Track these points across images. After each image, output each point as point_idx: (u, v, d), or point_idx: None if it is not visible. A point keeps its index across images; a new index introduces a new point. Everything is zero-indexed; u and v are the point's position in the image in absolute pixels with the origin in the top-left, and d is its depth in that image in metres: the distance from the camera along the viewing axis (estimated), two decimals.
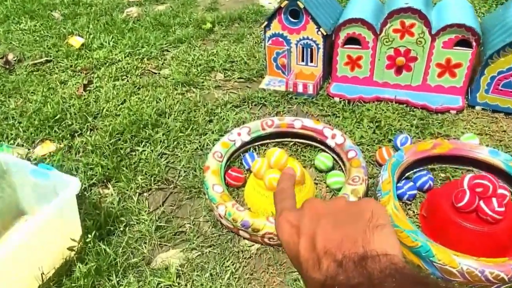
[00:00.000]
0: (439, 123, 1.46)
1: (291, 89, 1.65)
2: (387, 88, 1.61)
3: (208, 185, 1.17)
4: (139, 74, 1.86)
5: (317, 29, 1.57)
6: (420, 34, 1.46)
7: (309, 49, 1.64)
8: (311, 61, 1.67)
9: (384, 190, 1.12)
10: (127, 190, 1.26)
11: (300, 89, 1.63)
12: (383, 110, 1.54)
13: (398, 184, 1.18)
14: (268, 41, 1.68)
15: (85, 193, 1.25)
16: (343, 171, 1.27)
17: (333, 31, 1.57)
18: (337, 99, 1.61)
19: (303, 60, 1.68)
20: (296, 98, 1.64)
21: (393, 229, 0.30)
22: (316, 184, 1.26)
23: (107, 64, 1.94)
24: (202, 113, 1.58)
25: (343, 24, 1.52)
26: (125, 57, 1.98)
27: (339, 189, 1.22)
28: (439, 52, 1.48)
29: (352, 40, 1.55)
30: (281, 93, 1.66)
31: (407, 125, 1.46)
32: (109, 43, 2.10)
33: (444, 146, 1.25)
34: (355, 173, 1.18)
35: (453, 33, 1.43)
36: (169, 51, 2.06)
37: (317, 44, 1.61)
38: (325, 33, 1.56)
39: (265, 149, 1.39)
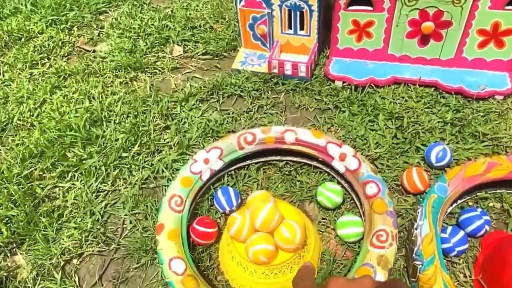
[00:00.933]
0: (482, 116, 1.06)
1: (275, 71, 1.20)
2: (406, 63, 1.18)
3: (164, 260, 0.77)
4: (65, 54, 1.36)
5: None
6: None
7: (298, 13, 1.17)
8: (302, 29, 1.20)
9: (426, 255, 0.75)
10: (47, 260, 0.86)
11: (288, 70, 1.19)
12: (403, 98, 1.13)
13: (442, 234, 0.81)
14: (240, 1, 1.19)
15: None
16: (359, 212, 0.88)
17: None
18: (339, 83, 1.18)
19: (290, 28, 1.21)
20: (283, 84, 1.20)
21: None
22: (321, 232, 0.88)
23: (22, 39, 1.42)
24: (154, 116, 1.13)
25: None
26: (47, 27, 1.45)
27: (355, 242, 0.85)
28: (484, 14, 1.04)
29: (359, 0, 1.09)
30: (263, 77, 1.21)
31: (439, 122, 1.05)
32: (26, 6, 1.55)
33: (502, 168, 0.87)
34: (380, 223, 0.80)
35: None
36: (107, 14, 1.54)
37: (309, 6, 1.13)
38: None
39: (245, 175, 0.98)
